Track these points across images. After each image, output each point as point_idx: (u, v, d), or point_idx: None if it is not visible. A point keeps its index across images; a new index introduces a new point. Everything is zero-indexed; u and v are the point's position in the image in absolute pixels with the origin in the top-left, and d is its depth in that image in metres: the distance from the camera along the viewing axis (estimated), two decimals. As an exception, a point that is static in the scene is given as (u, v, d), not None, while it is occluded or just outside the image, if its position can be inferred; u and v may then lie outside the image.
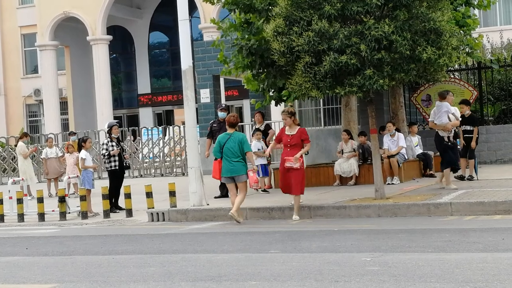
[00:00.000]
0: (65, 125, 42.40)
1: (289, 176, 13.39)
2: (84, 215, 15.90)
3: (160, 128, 30.09)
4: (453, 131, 15.55)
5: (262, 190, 17.31)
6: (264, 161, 17.72)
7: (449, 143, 15.37)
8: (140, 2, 43.63)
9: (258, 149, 17.57)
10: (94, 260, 9.80)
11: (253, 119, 18.98)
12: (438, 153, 16.21)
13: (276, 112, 29.05)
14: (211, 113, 24.48)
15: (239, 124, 20.48)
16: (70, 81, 42.74)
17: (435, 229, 11.03)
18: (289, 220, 13.44)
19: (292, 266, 8.35)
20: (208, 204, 15.02)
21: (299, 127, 13.79)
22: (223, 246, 10.56)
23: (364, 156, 18.19)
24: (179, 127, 28.57)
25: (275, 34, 13.41)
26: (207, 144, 17.57)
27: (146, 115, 43.43)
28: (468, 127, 17.15)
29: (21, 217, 16.39)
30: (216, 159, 13.74)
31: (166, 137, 29.04)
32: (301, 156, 13.54)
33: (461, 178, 17.02)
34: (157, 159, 28.39)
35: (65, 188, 16.80)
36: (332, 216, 13.49)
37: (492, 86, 23.64)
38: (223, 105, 18.10)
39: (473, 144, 17.02)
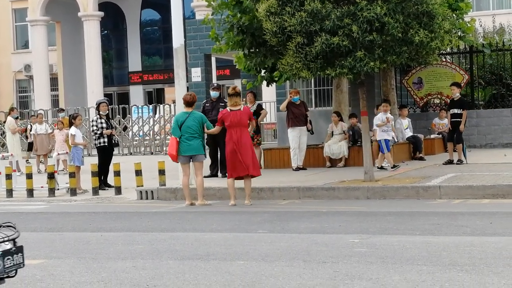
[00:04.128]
0: (55, 101, 42.19)
1: (246, 154, 12.83)
2: (73, 191, 15.89)
3: (151, 106, 30.00)
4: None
5: (392, 167, 16.36)
6: (390, 136, 16.83)
7: None
8: (132, -21, 43.39)
9: (382, 121, 16.64)
10: (82, 236, 9.80)
11: (244, 99, 18.98)
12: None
13: (268, 92, 29.03)
14: (202, 92, 24.34)
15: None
16: (60, 57, 42.49)
17: (423, 212, 11.08)
18: (278, 201, 13.45)
19: (280, 246, 8.37)
20: (197, 183, 14.99)
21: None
22: (212, 225, 10.57)
23: (354, 138, 18.20)
24: (170, 105, 28.50)
25: (268, 14, 13.35)
26: None
27: (136, 93, 43.27)
28: (456, 110, 17.13)
29: (9, 192, 16.35)
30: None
31: (156, 116, 28.98)
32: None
33: (450, 162, 17.06)
34: (147, 137, 28.34)
35: (54, 165, 16.76)
36: (320, 198, 13.51)
37: (483, 70, 23.66)
38: (215, 84, 18.03)
39: (461, 127, 16.95)
